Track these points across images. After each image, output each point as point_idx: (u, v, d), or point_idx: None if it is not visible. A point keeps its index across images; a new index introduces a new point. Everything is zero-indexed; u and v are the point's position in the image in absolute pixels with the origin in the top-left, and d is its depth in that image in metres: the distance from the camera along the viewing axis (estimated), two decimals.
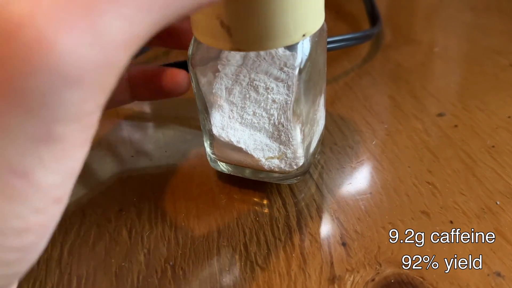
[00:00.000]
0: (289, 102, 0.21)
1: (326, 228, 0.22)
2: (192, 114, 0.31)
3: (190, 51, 0.21)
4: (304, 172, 0.24)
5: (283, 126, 0.22)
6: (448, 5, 0.43)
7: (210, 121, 0.23)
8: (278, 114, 0.21)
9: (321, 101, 0.24)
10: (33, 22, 0.10)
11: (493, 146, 0.26)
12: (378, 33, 0.38)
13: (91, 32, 0.11)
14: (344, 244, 0.21)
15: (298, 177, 0.24)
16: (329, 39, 0.31)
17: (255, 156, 0.22)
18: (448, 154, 0.26)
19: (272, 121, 0.22)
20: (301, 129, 0.22)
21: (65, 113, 0.11)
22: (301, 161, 0.23)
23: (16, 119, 0.11)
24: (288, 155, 0.22)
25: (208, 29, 0.18)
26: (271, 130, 0.22)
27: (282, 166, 0.23)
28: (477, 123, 0.28)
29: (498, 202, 0.23)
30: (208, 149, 0.24)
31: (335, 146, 0.27)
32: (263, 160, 0.23)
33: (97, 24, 0.11)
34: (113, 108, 0.24)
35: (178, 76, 0.23)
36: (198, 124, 0.29)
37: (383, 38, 0.38)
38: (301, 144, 0.22)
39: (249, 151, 0.22)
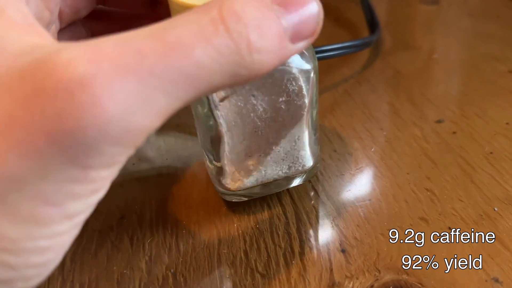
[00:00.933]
0: (304, 109, 0.21)
1: (325, 235, 0.22)
2: (192, 123, 0.31)
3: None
4: (315, 166, 0.24)
5: (299, 136, 0.22)
6: (447, 12, 0.43)
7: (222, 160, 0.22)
8: (294, 128, 0.22)
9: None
10: (93, 86, 0.12)
11: (491, 153, 0.26)
12: (377, 40, 0.38)
13: (141, 102, 0.12)
14: (343, 251, 0.22)
15: (307, 174, 0.24)
16: (328, 47, 0.32)
17: (282, 173, 0.23)
18: (446, 160, 0.26)
19: (288, 139, 0.22)
20: (311, 128, 0.23)
21: (103, 163, 0.13)
22: (311, 159, 0.23)
23: (59, 163, 0.12)
24: (301, 155, 0.23)
25: None
26: (287, 146, 0.22)
27: (294, 168, 0.23)
28: (475, 130, 0.28)
29: (496, 209, 0.23)
30: (219, 187, 0.24)
31: (334, 153, 0.27)
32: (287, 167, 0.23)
33: (147, 97, 0.12)
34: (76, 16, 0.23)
35: None
36: None
37: (382, 45, 0.38)
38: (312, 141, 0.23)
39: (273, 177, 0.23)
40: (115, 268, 0.22)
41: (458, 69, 0.35)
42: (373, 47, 0.38)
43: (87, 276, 0.22)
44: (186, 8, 0.17)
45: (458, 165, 0.26)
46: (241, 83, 0.15)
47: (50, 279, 0.22)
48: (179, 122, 0.31)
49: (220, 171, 0.23)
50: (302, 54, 0.20)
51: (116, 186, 0.26)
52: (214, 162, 0.23)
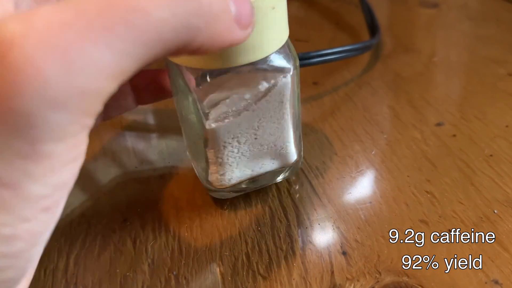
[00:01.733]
0: (285, 106, 0.22)
1: (326, 237, 0.23)
2: None
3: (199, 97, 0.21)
4: (298, 161, 0.25)
5: (282, 127, 0.23)
6: (447, 15, 0.43)
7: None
8: (275, 122, 0.22)
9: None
10: (24, 45, 0.11)
11: (491, 155, 0.26)
12: (378, 44, 0.38)
13: (80, 61, 0.11)
14: (344, 253, 0.22)
15: (292, 169, 0.25)
16: (329, 51, 0.32)
17: (268, 169, 0.24)
18: (446, 163, 0.26)
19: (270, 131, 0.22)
20: (293, 124, 0.23)
21: (50, 134, 0.12)
22: (294, 154, 0.24)
23: (2, 137, 0.11)
24: (286, 151, 0.24)
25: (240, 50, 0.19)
26: (271, 140, 0.23)
27: (278, 163, 0.24)
28: (475, 132, 0.28)
29: (495, 211, 0.23)
30: (205, 183, 0.24)
31: (335, 156, 0.28)
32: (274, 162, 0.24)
33: (87, 53, 0.11)
34: (118, 114, 0.25)
35: None
36: None
37: (382, 48, 0.39)
38: (296, 137, 0.24)
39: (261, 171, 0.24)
40: (118, 271, 0.22)
41: (458, 72, 0.35)
42: (373, 51, 0.38)
43: (90, 279, 0.22)
44: None
45: (458, 168, 0.26)
46: (196, 45, 0.14)
47: (53, 282, 0.22)
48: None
49: (206, 169, 0.23)
50: (282, 53, 0.21)
51: (119, 189, 0.27)
52: (199, 161, 0.24)
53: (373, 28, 0.39)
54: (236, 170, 0.23)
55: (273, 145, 0.23)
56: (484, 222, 0.23)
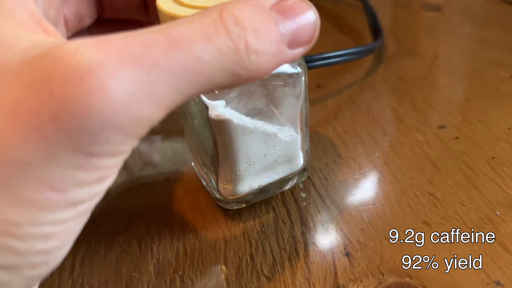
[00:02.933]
0: (296, 112, 0.23)
1: (330, 238, 0.23)
2: None
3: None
4: (305, 169, 0.25)
5: (292, 137, 0.23)
6: (449, 18, 0.44)
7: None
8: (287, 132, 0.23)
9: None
10: (100, 72, 0.12)
11: (493, 158, 0.27)
12: (381, 47, 0.39)
13: (145, 92, 0.13)
14: (347, 254, 0.22)
15: (299, 176, 0.25)
16: (332, 54, 0.32)
17: (275, 176, 0.24)
18: (449, 165, 0.26)
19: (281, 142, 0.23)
20: (303, 132, 0.24)
21: (107, 151, 0.13)
22: (302, 160, 0.25)
23: (66, 150, 0.12)
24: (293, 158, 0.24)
25: None
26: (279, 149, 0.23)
27: (288, 170, 0.24)
28: (477, 135, 0.28)
29: (497, 213, 0.23)
30: (216, 194, 0.24)
31: (338, 158, 0.28)
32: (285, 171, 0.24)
33: (151, 87, 0.13)
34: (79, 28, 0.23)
35: None
36: None
37: (385, 51, 0.39)
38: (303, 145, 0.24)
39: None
40: (124, 271, 0.22)
41: (460, 75, 0.35)
42: (376, 54, 0.38)
43: (96, 279, 0.22)
44: (175, 18, 0.18)
45: (460, 170, 0.26)
46: (240, 83, 0.15)
47: (60, 282, 0.22)
48: None
49: (215, 180, 0.24)
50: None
51: (124, 190, 0.27)
52: (208, 173, 0.24)
53: (376, 31, 0.39)
54: (247, 180, 0.23)
55: (282, 152, 0.23)
56: (486, 224, 0.23)
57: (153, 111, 0.13)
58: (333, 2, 0.49)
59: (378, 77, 0.36)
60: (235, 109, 0.21)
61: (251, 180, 0.23)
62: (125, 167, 0.29)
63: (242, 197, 0.24)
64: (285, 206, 0.25)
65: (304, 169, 0.25)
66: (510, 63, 0.35)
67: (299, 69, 0.21)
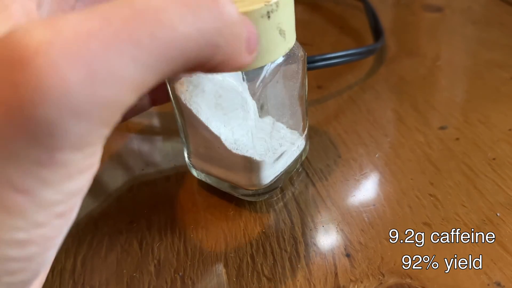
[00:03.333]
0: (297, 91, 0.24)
1: (330, 239, 0.23)
2: None
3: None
4: (271, 189, 0.25)
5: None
6: (450, 19, 0.44)
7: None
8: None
9: (290, 122, 0.25)
10: (49, 52, 0.11)
11: (494, 159, 0.27)
12: (382, 48, 0.39)
13: (104, 71, 0.11)
14: (348, 255, 0.22)
15: (264, 194, 0.25)
16: (333, 54, 0.32)
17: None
18: (450, 166, 0.26)
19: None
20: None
21: (69, 143, 0.11)
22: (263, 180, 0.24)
23: (21, 144, 0.11)
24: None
25: (268, 45, 0.19)
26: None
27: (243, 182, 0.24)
28: (478, 136, 0.28)
29: (498, 214, 0.23)
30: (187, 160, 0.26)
31: (339, 159, 0.28)
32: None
33: (111, 65, 0.11)
34: (133, 116, 0.25)
35: None
36: None
37: (386, 52, 0.39)
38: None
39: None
40: (124, 271, 0.22)
41: (461, 76, 0.35)
42: (377, 55, 0.38)
43: (97, 279, 0.22)
44: None
45: (461, 171, 0.26)
46: (213, 64, 0.14)
47: (61, 282, 0.22)
48: None
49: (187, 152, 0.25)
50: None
51: (125, 191, 0.27)
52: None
53: (377, 32, 0.39)
54: (265, 166, 0.23)
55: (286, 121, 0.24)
56: (487, 225, 0.23)
57: (118, 93, 0.12)
58: (334, 2, 0.49)
59: (379, 78, 0.36)
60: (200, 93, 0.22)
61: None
62: (127, 167, 0.29)
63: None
64: (285, 207, 0.25)
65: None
66: (511, 64, 0.35)
67: (301, 52, 0.22)
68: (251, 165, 0.23)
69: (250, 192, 0.24)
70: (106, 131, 0.12)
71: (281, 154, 0.24)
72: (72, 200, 0.13)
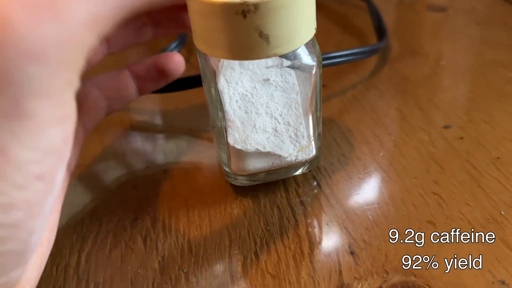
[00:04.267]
0: (306, 96, 0.23)
1: (334, 237, 0.23)
2: (204, 127, 0.32)
3: (219, 70, 0.22)
4: (316, 156, 0.26)
5: (300, 120, 0.24)
6: (454, 19, 0.44)
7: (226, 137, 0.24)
8: (291, 111, 0.24)
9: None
10: None
11: (498, 158, 0.27)
12: (385, 47, 0.39)
13: (53, 10, 0.11)
14: (352, 253, 0.22)
15: (310, 164, 0.26)
16: (337, 53, 0.32)
17: (283, 154, 0.24)
18: (454, 165, 0.26)
19: (286, 119, 0.24)
20: (314, 118, 0.24)
21: (34, 89, 0.11)
22: (314, 149, 0.25)
23: None
24: (303, 144, 0.24)
25: (243, 44, 0.19)
26: (285, 127, 0.24)
27: (300, 157, 0.25)
28: (482, 135, 0.28)
29: (502, 212, 0.23)
30: (225, 167, 0.25)
31: (343, 157, 0.28)
32: (293, 153, 0.24)
33: (59, 2, 0.11)
34: (122, 106, 0.25)
35: (175, 57, 0.24)
36: (210, 136, 0.30)
37: (390, 52, 0.39)
38: (314, 132, 0.25)
39: (275, 152, 0.24)
40: (129, 268, 0.22)
41: (465, 76, 0.35)
42: (381, 54, 0.38)
43: (102, 276, 0.22)
44: (202, 2, 0.18)
45: (465, 170, 0.26)
46: None
47: (65, 279, 0.22)
48: (190, 127, 0.32)
49: (228, 155, 0.24)
50: (308, 50, 0.22)
51: (130, 188, 0.27)
52: (221, 145, 0.25)
53: (380, 31, 0.39)
54: (257, 159, 0.24)
55: (294, 136, 0.24)
56: (491, 224, 0.23)
57: (70, 31, 0.11)
58: (338, 2, 0.49)
59: (383, 77, 0.36)
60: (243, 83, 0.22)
61: (261, 159, 0.24)
62: (131, 165, 0.29)
63: (251, 175, 0.25)
64: (289, 205, 0.25)
65: (315, 158, 0.26)
66: None
67: (314, 61, 0.22)
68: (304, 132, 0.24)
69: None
70: (70, 76, 0.12)
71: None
72: (48, 160, 0.13)
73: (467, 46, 0.39)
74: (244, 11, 0.18)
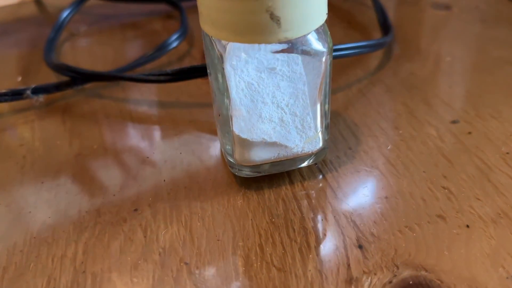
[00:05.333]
0: (314, 85, 0.23)
1: (342, 230, 0.22)
2: (207, 118, 0.31)
3: (225, 53, 0.21)
4: (323, 148, 0.25)
5: (307, 111, 0.23)
6: (458, 17, 0.43)
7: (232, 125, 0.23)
8: (298, 101, 0.23)
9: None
10: None
11: (507, 153, 0.26)
12: (391, 43, 0.38)
13: None
14: (360, 246, 0.21)
15: (316, 156, 0.25)
16: (342, 46, 0.31)
17: (289, 145, 0.24)
18: (462, 160, 0.26)
19: (292, 109, 0.23)
20: (322, 109, 0.24)
21: None
22: (321, 141, 0.25)
23: None
24: (310, 135, 0.24)
25: (253, 26, 0.18)
26: (291, 117, 0.23)
27: (306, 148, 0.24)
28: (490, 131, 0.28)
29: None
30: (230, 158, 0.25)
31: (349, 151, 0.27)
32: (300, 145, 0.24)
33: None
34: None
35: None
36: (213, 128, 0.30)
37: (394, 48, 0.38)
38: (322, 123, 0.24)
39: (281, 142, 0.24)
40: (128, 259, 0.21)
41: (471, 72, 0.35)
42: (386, 50, 0.38)
43: (99, 267, 0.21)
44: None
45: (474, 165, 0.25)
46: None
47: (61, 270, 0.21)
48: (192, 118, 0.31)
49: (232, 144, 0.24)
50: (318, 35, 0.21)
51: (130, 178, 0.26)
52: (226, 134, 0.24)
53: (385, 27, 0.39)
54: (262, 150, 0.23)
55: (300, 126, 0.23)
56: (503, 219, 0.22)
57: None
58: None
59: (388, 72, 0.35)
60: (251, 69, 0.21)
61: (266, 149, 0.23)
62: (131, 155, 0.28)
63: (256, 166, 0.24)
64: (295, 197, 0.24)
65: (322, 150, 0.25)
66: None
67: (325, 47, 0.22)
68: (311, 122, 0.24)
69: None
70: None
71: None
72: None
73: (472, 43, 0.39)
74: None
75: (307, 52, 0.21)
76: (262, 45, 0.21)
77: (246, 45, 0.20)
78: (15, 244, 0.23)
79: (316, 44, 0.21)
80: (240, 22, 0.19)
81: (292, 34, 0.19)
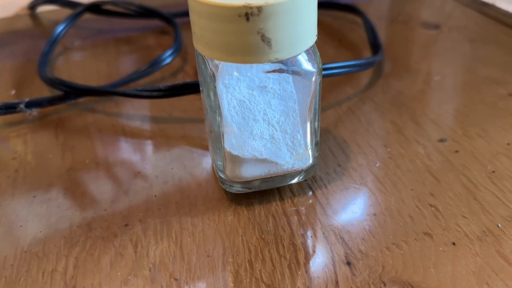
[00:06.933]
0: (304, 104, 0.23)
1: (330, 247, 0.22)
2: (199, 134, 0.31)
3: (218, 72, 0.21)
4: (313, 165, 0.25)
5: (297, 128, 0.24)
6: (447, 37, 0.44)
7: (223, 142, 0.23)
8: (289, 120, 0.23)
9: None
10: None
11: (493, 172, 0.27)
12: (380, 61, 0.39)
13: None
14: (348, 263, 0.22)
15: (306, 172, 0.26)
16: (332, 65, 0.32)
17: (279, 161, 0.24)
18: (449, 178, 0.26)
19: (283, 127, 0.23)
20: (311, 126, 0.24)
21: None
22: (311, 158, 0.25)
23: None
24: (300, 152, 0.24)
25: (245, 47, 0.19)
26: (282, 135, 0.24)
27: (296, 165, 0.25)
28: (477, 149, 0.28)
29: (499, 225, 0.23)
30: (221, 174, 0.25)
31: (338, 168, 0.28)
32: (290, 161, 0.24)
33: None
34: None
35: None
36: (205, 143, 0.30)
37: (384, 66, 0.39)
38: (311, 140, 0.25)
39: (272, 159, 0.24)
40: (119, 274, 0.22)
41: (459, 91, 0.36)
42: (375, 69, 0.38)
43: (90, 282, 0.21)
44: (204, 4, 0.18)
45: (461, 183, 0.26)
46: None
47: (52, 284, 0.21)
48: (184, 134, 0.31)
49: (224, 159, 0.24)
50: (308, 56, 0.22)
51: (121, 194, 0.26)
52: (218, 150, 0.24)
53: (375, 46, 0.39)
54: (253, 166, 0.24)
55: (290, 143, 0.24)
56: (488, 236, 0.22)
57: None
58: (332, 17, 0.50)
59: (378, 90, 0.36)
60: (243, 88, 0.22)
61: (257, 166, 0.24)
62: (123, 170, 0.28)
63: (246, 182, 0.25)
64: (285, 213, 0.24)
65: (311, 167, 0.25)
66: (508, 81, 0.36)
67: (314, 68, 0.22)
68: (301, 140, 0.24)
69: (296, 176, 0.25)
70: None
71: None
72: None
73: (460, 62, 0.40)
74: (248, 14, 0.18)
75: (297, 72, 0.22)
76: (254, 64, 0.21)
77: (238, 64, 0.21)
78: (6, 258, 0.23)
79: (306, 64, 0.22)
80: (232, 43, 0.19)
81: (282, 55, 0.20)
